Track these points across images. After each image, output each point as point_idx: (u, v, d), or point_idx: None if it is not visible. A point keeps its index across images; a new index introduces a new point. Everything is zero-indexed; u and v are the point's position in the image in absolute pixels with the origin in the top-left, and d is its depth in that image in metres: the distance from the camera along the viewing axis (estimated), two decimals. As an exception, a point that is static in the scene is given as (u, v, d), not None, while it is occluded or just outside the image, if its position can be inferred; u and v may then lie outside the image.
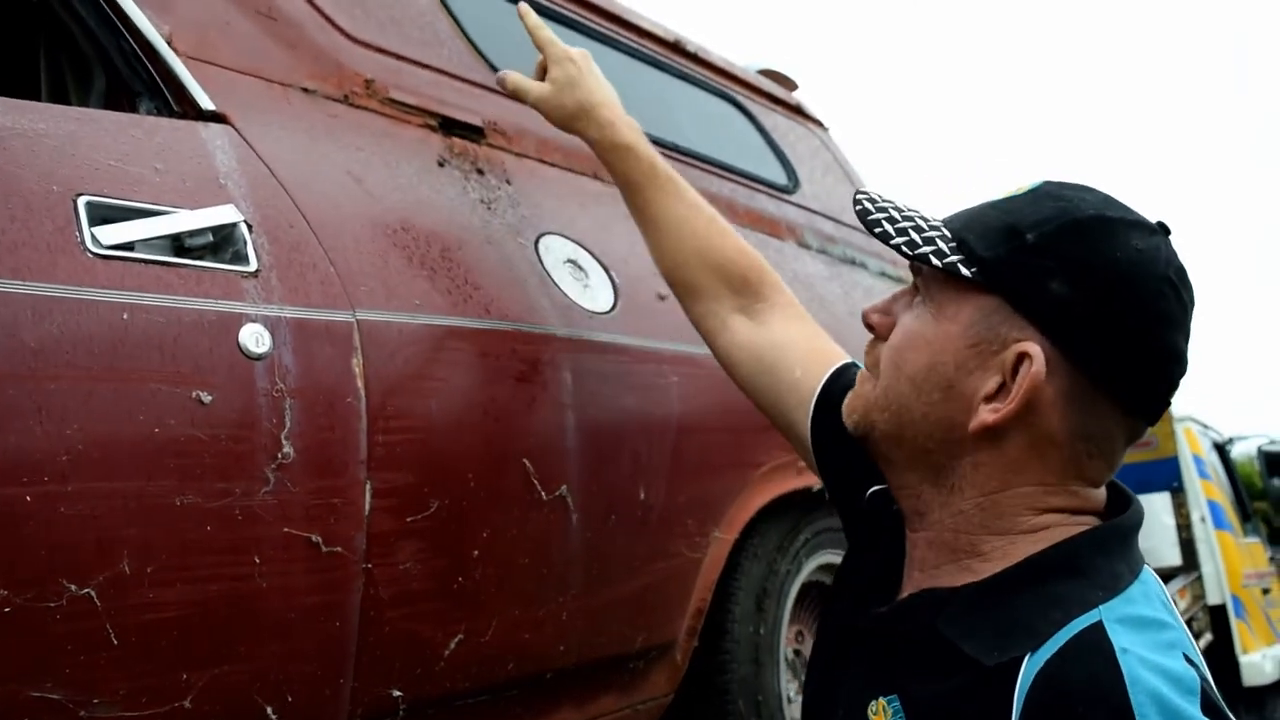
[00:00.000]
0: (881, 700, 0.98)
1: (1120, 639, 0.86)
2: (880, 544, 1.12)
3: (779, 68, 3.31)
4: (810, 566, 2.32)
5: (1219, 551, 6.26)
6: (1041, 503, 0.97)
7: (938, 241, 0.98)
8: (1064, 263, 0.93)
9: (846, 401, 1.09)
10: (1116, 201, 0.99)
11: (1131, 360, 0.94)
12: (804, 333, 1.41)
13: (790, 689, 2.27)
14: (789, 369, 1.35)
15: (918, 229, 1.01)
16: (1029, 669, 0.87)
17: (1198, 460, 6.38)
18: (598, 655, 1.78)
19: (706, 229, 1.49)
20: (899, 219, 1.03)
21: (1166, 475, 5.99)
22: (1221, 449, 7.57)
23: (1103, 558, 0.94)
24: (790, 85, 3.33)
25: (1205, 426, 7.18)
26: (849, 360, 1.33)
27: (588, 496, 1.69)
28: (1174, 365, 0.96)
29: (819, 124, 3.29)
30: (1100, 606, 0.89)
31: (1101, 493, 1.01)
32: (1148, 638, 0.87)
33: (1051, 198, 0.98)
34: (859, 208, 1.06)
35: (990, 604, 0.94)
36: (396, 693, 1.45)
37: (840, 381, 1.25)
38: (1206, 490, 6.36)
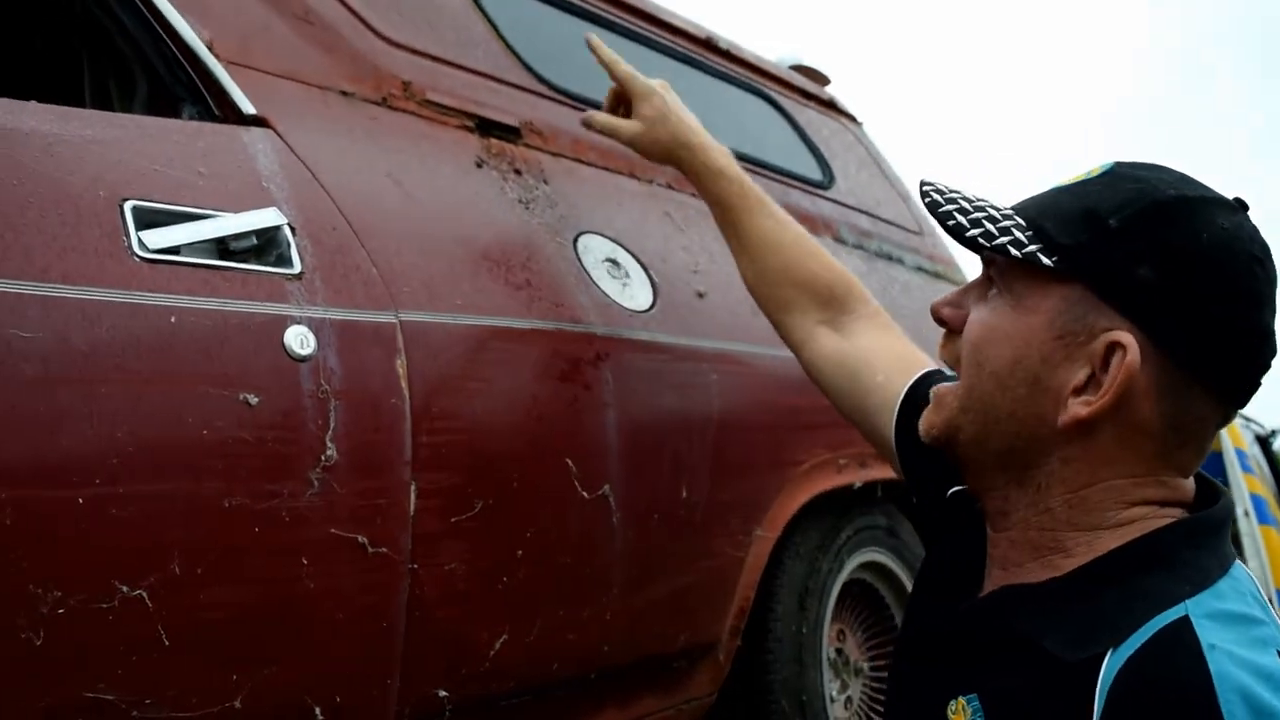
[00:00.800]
0: (961, 699, 0.95)
1: (1208, 635, 0.83)
2: (961, 544, 1.10)
3: (810, 63, 3.30)
4: (852, 565, 2.30)
5: (1263, 547, 6.18)
6: (1130, 495, 0.94)
7: (1014, 231, 0.95)
8: (1150, 246, 0.90)
9: (925, 418, 1.05)
10: (1192, 180, 0.96)
11: (1222, 343, 0.91)
12: (888, 340, 1.40)
13: (833, 688, 2.26)
14: (872, 374, 1.34)
15: (991, 219, 0.97)
16: (1111, 665, 0.85)
17: (1240, 454, 6.29)
18: (641, 655, 1.78)
19: (793, 245, 1.53)
20: (970, 209, 0.99)
21: (1209, 470, 5.92)
22: (1264, 442, 7.47)
23: (1190, 550, 0.91)
24: (822, 80, 3.31)
25: (1247, 420, 7.09)
26: (934, 367, 1.30)
27: (630, 495, 1.69)
28: (1265, 345, 0.93)
29: (852, 119, 3.28)
30: (1187, 601, 0.86)
31: (1190, 483, 0.98)
32: (1237, 633, 0.84)
33: (1128, 179, 0.95)
34: (927, 199, 1.02)
35: (1072, 599, 0.92)
36: (443, 693, 1.45)
37: (925, 386, 1.22)
38: (1250, 484, 6.27)
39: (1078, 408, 0.92)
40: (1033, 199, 1.00)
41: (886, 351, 1.37)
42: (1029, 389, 0.94)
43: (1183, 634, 0.83)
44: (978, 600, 1.01)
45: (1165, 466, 0.95)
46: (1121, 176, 0.96)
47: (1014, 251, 0.93)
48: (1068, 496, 0.95)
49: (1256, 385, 0.95)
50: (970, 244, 0.97)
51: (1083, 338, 0.92)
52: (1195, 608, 0.85)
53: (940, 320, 1.03)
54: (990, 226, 0.96)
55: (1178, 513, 0.96)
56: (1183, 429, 0.94)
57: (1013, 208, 1.00)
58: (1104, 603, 0.89)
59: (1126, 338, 0.90)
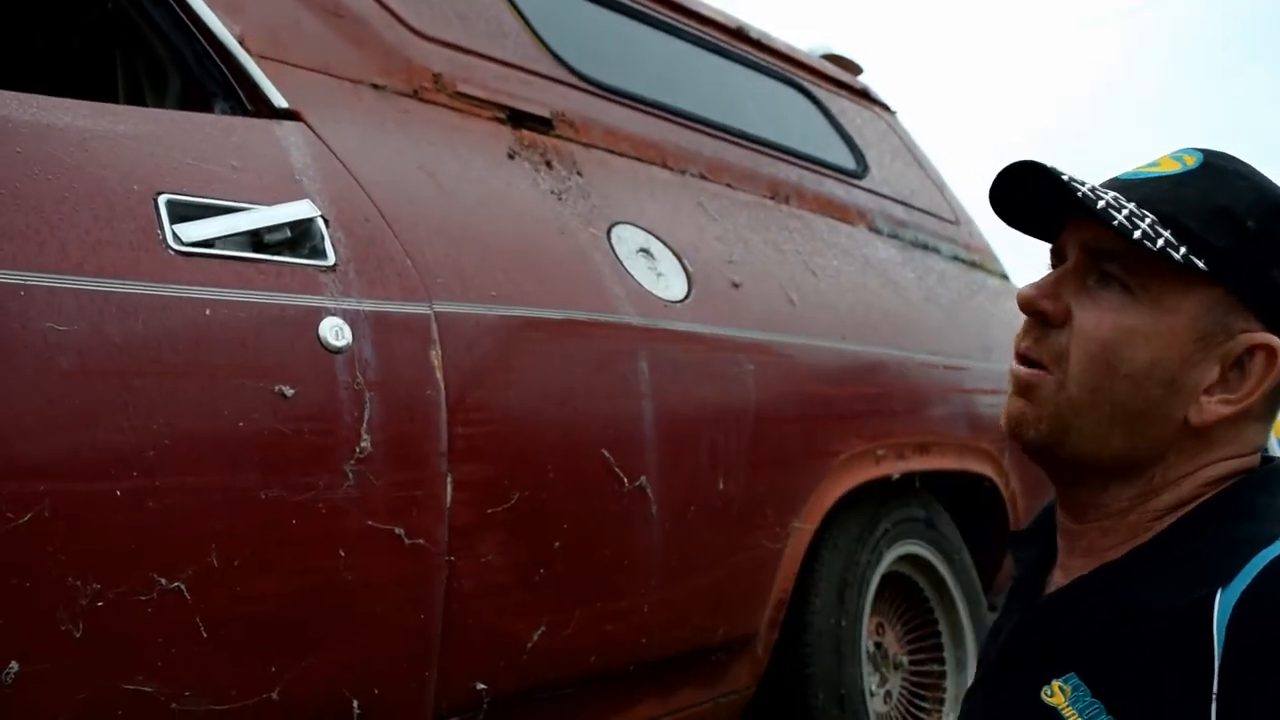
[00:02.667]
0: (1056, 682, 0.93)
1: None
2: (1023, 563, 1.10)
3: (842, 51, 3.27)
4: (890, 557, 2.28)
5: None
6: (1227, 472, 0.95)
7: (1158, 228, 0.91)
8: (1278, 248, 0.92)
9: (1015, 412, 0.99)
10: (1270, 179, 0.96)
11: None
12: None
13: (872, 682, 2.24)
14: None
15: (1140, 217, 0.92)
16: (1224, 603, 0.84)
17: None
18: (679, 648, 1.77)
19: None
20: (1123, 205, 0.93)
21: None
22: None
23: (1267, 497, 0.93)
24: (855, 69, 3.28)
25: None
26: None
27: (667, 487, 1.68)
28: None
29: (886, 108, 3.25)
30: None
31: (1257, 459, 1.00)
32: None
33: (1234, 175, 0.95)
34: (1077, 193, 0.93)
35: (1164, 558, 0.92)
36: (481, 686, 1.45)
37: None
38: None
39: (1218, 407, 0.92)
40: (1136, 186, 0.96)
41: None
42: (1165, 389, 0.93)
43: None
44: (1068, 584, 0.99)
45: (1255, 445, 0.96)
46: (1224, 171, 0.95)
47: (1174, 254, 0.90)
48: (1174, 484, 0.95)
49: None
50: (1134, 243, 0.91)
51: (1221, 339, 0.92)
52: None
53: (1042, 314, 0.97)
54: (1148, 228, 0.91)
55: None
56: (1275, 412, 0.96)
57: (1128, 198, 0.95)
58: (1198, 554, 0.90)
59: (1273, 340, 0.91)
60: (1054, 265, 1.01)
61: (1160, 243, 0.90)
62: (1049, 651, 0.96)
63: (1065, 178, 0.94)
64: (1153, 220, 0.91)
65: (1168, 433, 0.94)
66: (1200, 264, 0.90)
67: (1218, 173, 0.94)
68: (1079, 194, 0.93)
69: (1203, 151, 0.96)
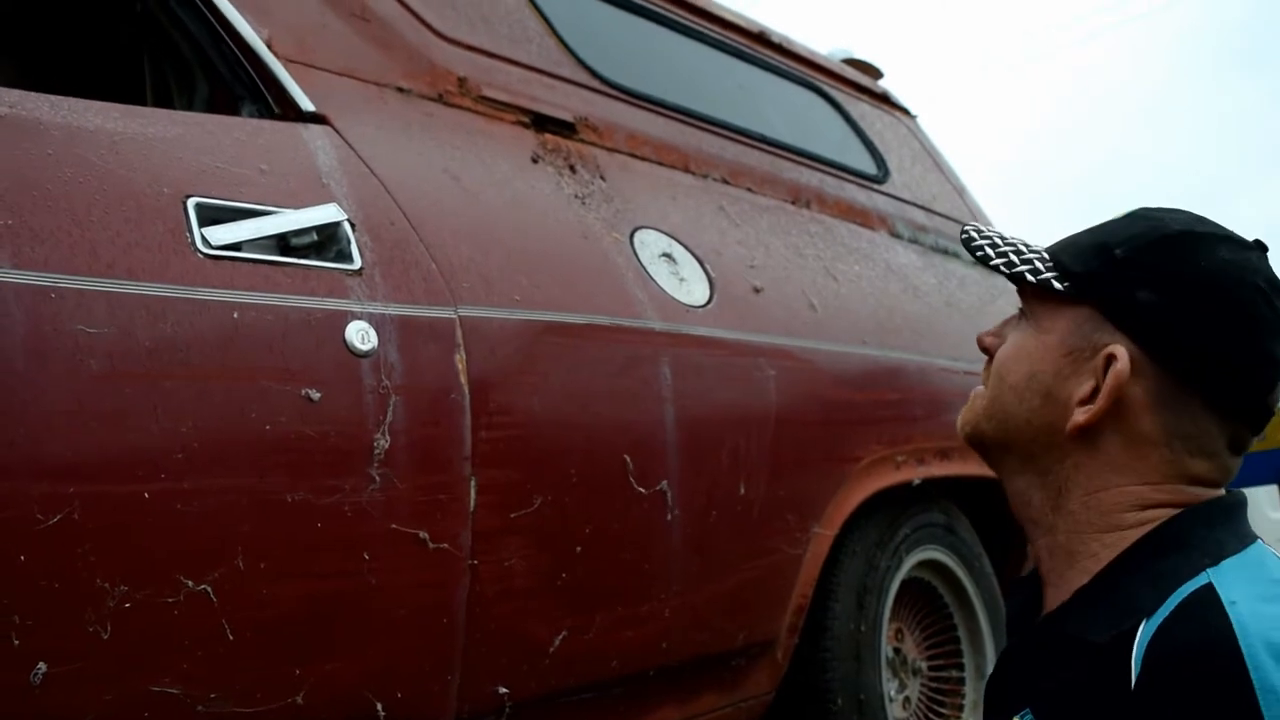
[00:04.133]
0: (1016, 717, 1.00)
1: (1229, 593, 0.88)
2: (1020, 597, 1.16)
3: (862, 56, 3.27)
4: (910, 562, 2.28)
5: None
6: (1146, 499, 0.99)
7: (1034, 262, 1.05)
8: (1150, 273, 0.99)
9: (960, 416, 1.13)
10: (1208, 220, 1.03)
11: (1220, 362, 0.96)
12: None
13: (891, 687, 2.23)
14: None
15: (1017, 253, 1.08)
16: (1144, 634, 0.90)
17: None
18: (700, 652, 1.77)
19: None
20: (1001, 245, 1.09)
21: (1271, 468, 5.79)
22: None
23: (1205, 529, 0.96)
24: (875, 74, 3.28)
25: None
26: None
27: (688, 492, 1.68)
28: (1269, 369, 0.98)
29: (906, 112, 3.24)
30: (1208, 570, 0.91)
31: (1218, 494, 1.02)
32: (1258, 590, 0.89)
33: (1144, 218, 1.04)
34: (964, 236, 1.13)
35: (1103, 594, 0.97)
36: (503, 689, 1.45)
37: None
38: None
39: (1079, 415, 0.99)
40: (1061, 239, 1.10)
41: None
42: (1042, 399, 1.02)
43: (1206, 596, 0.89)
44: (1034, 627, 1.07)
45: (1180, 477, 0.99)
46: (1140, 216, 1.05)
47: (1030, 277, 1.04)
48: (1084, 499, 1.01)
49: (1265, 407, 0.99)
50: (995, 271, 1.08)
51: (1088, 353, 1.00)
52: (1217, 575, 0.90)
53: (983, 348, 1.12)
54: (1014, 258, 1.06)
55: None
56: (1189, 440, 0.98)
57: (1042, 247, 1.10)
58: (1132, 588, 0.95)
59: (1119, 349, 0.97)
60: None
61: (1020, 269, 1.04)
62: (1016, 685, 1.04)
63: (964, 236, 1.12)
64: (1039, 258, 1.05)
65: (1056, 441, 1.02)
66: (1058, 285, 1.02)
67: (1131, 218, 1.05)
68: (973, 244, 1.10)
69: (1142, 206, 1.08)
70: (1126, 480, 0.99)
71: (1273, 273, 0.99)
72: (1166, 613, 0.89)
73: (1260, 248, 1.01)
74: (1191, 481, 0.99)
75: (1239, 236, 1.01)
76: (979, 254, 1.09)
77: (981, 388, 1.11)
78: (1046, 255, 1.06)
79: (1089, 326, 1.00)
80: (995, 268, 1.08)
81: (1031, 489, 1.06)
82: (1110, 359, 0.97)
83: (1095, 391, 0.98)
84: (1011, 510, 1.11)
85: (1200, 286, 0.97)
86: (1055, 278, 1.03)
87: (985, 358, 1.13)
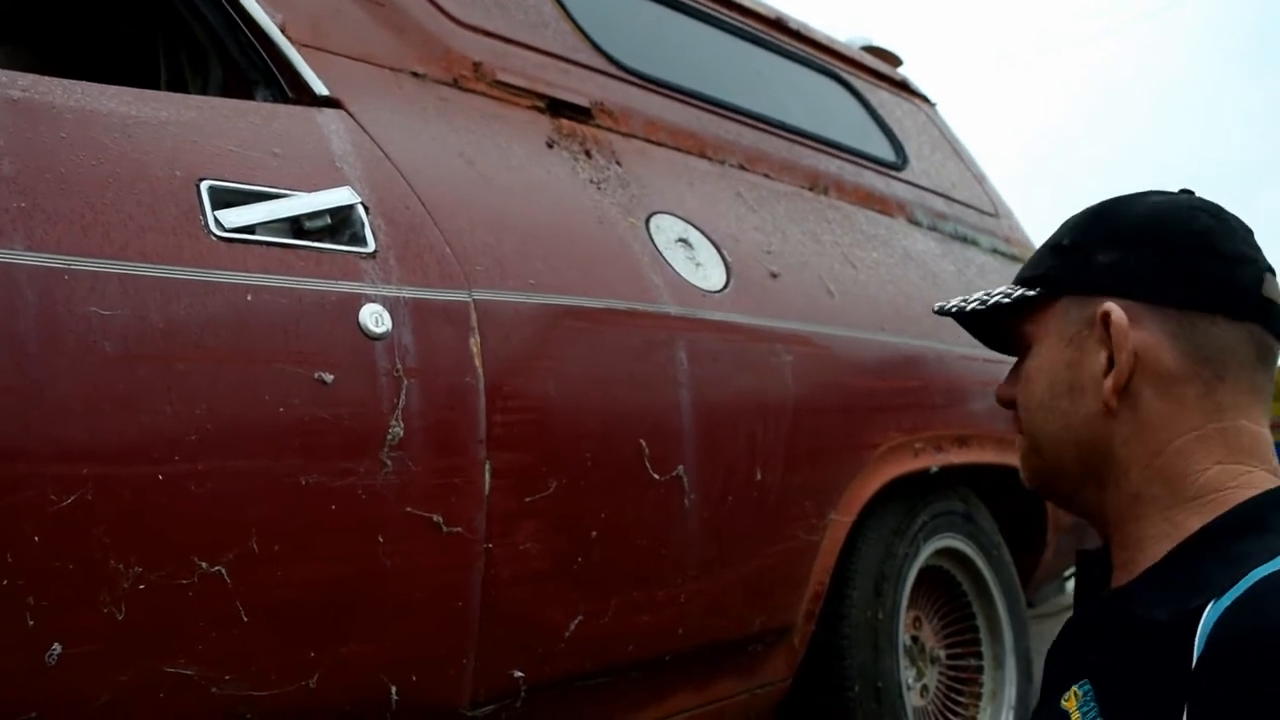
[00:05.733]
0: (1074, 688, 0.99)
1: None
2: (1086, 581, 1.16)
3: (881, 43, 3.25)
4: (928, 550, 2.26)
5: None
6: (1202, 453, 0.97)
7: (1000, 292, 1.08)
8: (1099, 239, 1.03)
9: (1021, 475, 1.13)
10: (1137, 193, 1.08)
11: (1198, 275, 0.98)
12: None
13: (909, 676, 2.22)
14: None
15: (987, 295, 1.10)
16: (1209, 617, 0.87)
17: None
18: (716, 638, 1.76)
19: None
20: (968, 297, 1.13)
21: None
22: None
23: None
24: (894, 61, 3.26)
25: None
26: None
27: (704, 477, 1.67)
28: (1245, 266, 0.98)
29: (925, 100, 3.22)
30: None
31: (1265, 436, 1.00)
32: None
33: (1087, 213, 1.07)
34: (936, 310, 1.17)
35: (1173, 573, 0.95)
36: (518, 673, 1.45)
37: None
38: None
39: (1108, 383, 0.99)
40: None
41: None
42: (1069, 397, 1.03)
43: None
44: (1089, 606, 1.07)
45: (1217, 410, 0.98)
46: (1080, 214, 1.08)
47: (1005, 300, 1.06)
48: (1143, 473, 0.99)
49: (1261, 299, 0.99)
50: (973, 316, 1.11)
51: (1085, 331, 1.01)
52: None
53: (1005, 402, 1.12)
54: (983, 297, 1.09)
55: (1264, 476, 0.97)
56: (1212, 362, 0.98)
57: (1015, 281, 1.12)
58: (1204, 568, 0.92)
59: (1108, 304, 0.99)
60: None
61: (994, 299, 1.07)
62: (1077, 658, 1.02)
63: (935, 310, 1.16)
64: (1004, 288, 1.08)
65: (1099, 429, 1.01)
66: (1030, 292, 1.05)
67: (1073, 219, 1.08)
68: (946, 310, 1.13)
69: (1084, 211, 1.09)
70: (1172, 434, 0.97)
71: (1204, 200, 1.04)
72: (1237, 594, 0.86)
73: (1187, 193, 1.06)
74: (1230, 413, 0.98)
75: (1166, 189, 1.07)
76: (953, 313, 1.13)
77: (1020, 438, 1.11)
78: (1012, 283, 1.10)
79: (1074, 310, 1.02)
80: (973, 314, 1.10)
81: (1098, 494, 1.03)
82: (1105, 318, 0.98)
83: (1110, 360, 0.98)
84: (1098, 529, 1.08)
85: (1143, 227, 1.01)
86: (1024, 289, 1.06)
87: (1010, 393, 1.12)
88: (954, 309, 1.12)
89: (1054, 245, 1.07)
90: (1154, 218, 1.01)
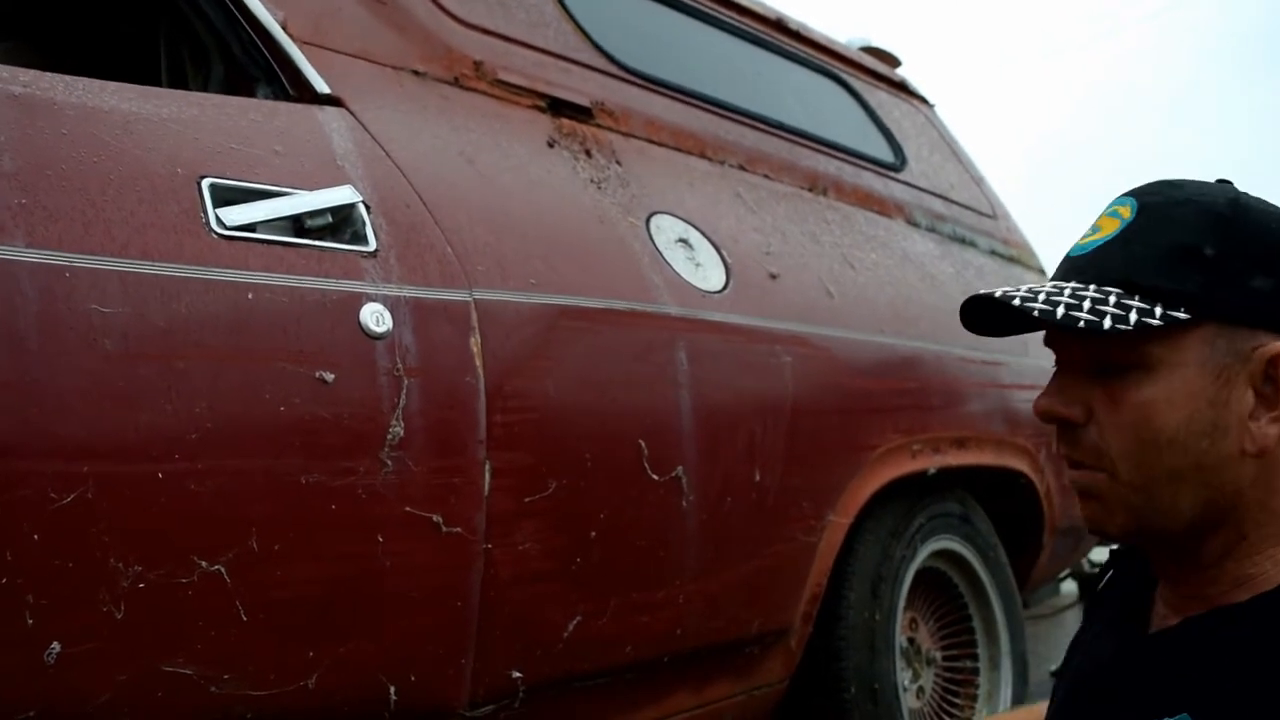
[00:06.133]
0: None
1: None
2: (1121, 582, 1.10)
3: (881, 45, 3.25)
4: (925, 552, 2.27)
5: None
6: None
7: (1124, 302, 0.92)
8: (1254, 258, 0.91)
9: (1090, 515, 0.98)
10: (1197, 180, 0.97)
11: None
12: None
13: (905, 677, 2.22)
14: None
15: (1080, 302, 0.93)
16: None
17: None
18: (714, 639, 1.76)
19: None
20: (1056, 299, 0.94)
21: None
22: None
23: None
24: (893, 62, 3.26)
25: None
26: None
27: (703, 478, 1.67)
28: None
29: (924, 101, 3.22)
30: None
31: None
32: None
33: (1173, 204, 0.95)
34: (1001, 295, 0.97)
35: None
36: (516, 674, 1.45)
37: None
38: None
39: (1268, 428, 0.91)
40: (1094, 261, 0.96)
41: None
42: (1210, 438, 0.92)
43: None
44: (1174, 629, 0.98)
45: None
46: (1161, 205, 0.95)
47: (1153, 322, 0.90)
48: (1258, 516, 0.94)
49: None
50: (1078, 334, 0.92)
51: (1237, 366, 0.91)
52: None
53: (1065, 419, 0.97)
54: (1106, 308, 0.92)
55: None
56: None
57: (1077, 281, 0.96)
58: None
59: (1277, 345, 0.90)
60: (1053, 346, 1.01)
61: (1133, 317, 0.90)
62: (1159, 690, 0.94)
63: (1017, 302, 0.94)
64: (1118, 295, 0.92)
65: (1232, 472, 0.92)
66: (1182, 315, 0.90)
67: (1156, 211, 0.95)
68: (1035, 314, 0.93)
69: (1133, 196, 0.97)
70: None
71: None
72: None
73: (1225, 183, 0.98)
74: None
75: (1230, 183, 0.98)
76: (1080, 325, 0.91)
77: (1093, 480, 0.96)
78: (1114, 288, 0.93)
79: (1223, 339, 0.91)
80: (1110, 330, 0.90)
81: (1204, 534, 0.95)
82: (1275, 361, 0.89)
83: (1259, 399, 0.90)
84: (1169, 562, 1.00)
85: None
86: (1168, 309, 0.91)
87: (1051, 426, 0.98)
88: (1048, 313, 0.92)
89: (1190, 251, 0.92)
90: None
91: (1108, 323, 0.90)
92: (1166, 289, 0.91)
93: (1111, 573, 1.15)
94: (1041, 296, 0.94)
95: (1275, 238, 0.92)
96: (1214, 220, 0.92)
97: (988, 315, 1.02)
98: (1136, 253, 0.94)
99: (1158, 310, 0.90)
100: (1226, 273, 0.91)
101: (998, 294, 0.96)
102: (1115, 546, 1.17)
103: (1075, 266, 0.97)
